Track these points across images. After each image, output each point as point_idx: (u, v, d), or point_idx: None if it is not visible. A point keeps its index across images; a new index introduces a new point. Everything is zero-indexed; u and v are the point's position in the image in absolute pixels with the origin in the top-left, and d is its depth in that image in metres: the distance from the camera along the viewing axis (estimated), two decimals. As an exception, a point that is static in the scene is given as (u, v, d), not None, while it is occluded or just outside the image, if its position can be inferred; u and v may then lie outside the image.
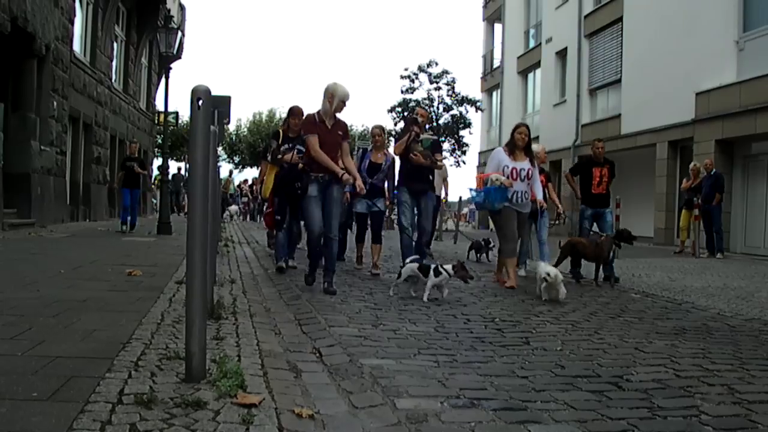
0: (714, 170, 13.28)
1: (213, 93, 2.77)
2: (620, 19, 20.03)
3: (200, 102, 2.62)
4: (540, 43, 25.76)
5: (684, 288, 7.47)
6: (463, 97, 28.99)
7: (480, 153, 31.13)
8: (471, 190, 7.54)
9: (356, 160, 7.48)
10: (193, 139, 2.64)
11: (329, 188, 5.81)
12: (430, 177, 7.45)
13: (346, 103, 5.79)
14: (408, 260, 6.08)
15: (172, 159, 33.66)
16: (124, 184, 12.89)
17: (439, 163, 7.60)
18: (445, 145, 27.31)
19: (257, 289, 5.80)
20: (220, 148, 33.48)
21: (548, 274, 5.76)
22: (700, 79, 15.55)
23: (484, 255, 10.00)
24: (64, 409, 2.17)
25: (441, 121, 28.64)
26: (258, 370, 2.89)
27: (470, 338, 4.13)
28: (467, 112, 29.28)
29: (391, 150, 7.98)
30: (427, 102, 28.41)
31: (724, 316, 5.46)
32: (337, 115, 5.88)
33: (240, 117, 51.93)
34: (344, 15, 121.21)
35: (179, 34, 16.51)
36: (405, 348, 3.76)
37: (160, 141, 24.85)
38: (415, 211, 7.36)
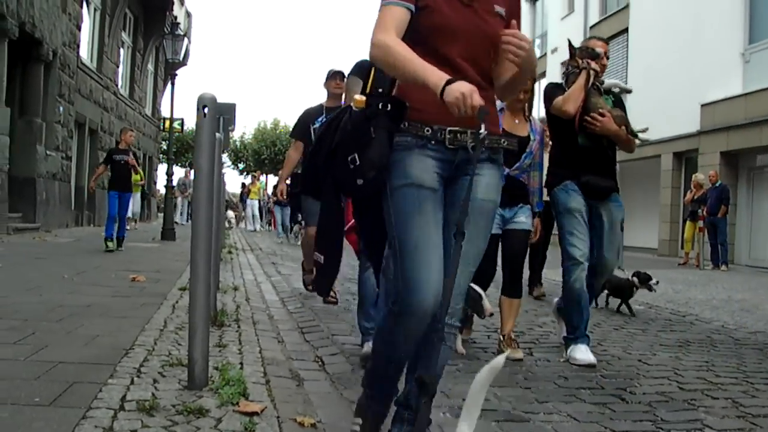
0: (719, 182, 13.29)
1: (218, 100, 2.79)
2: (626, 30, 20.07)
3: (206, 109, 2.64)
4: (545, 53, 25.81)
5: (688, 300, 7.43)
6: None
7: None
8: None
9: None
10: (199, 146, 2.65)
11: (470, 175, 1.96)
12: (615, 166, 4.10)
13: None
14: None
15: (177, 165, 33.79)
16: (112, 186, 9.14)
17: (641, 135, 4.28)
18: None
19: (260, 296, 5.78)
20: (225, 155, 33.60)
21: None
22: (706, 90, 15.55)
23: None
24: (66, 415, 2.16)
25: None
26: (260, 377, 2.88)
27: (473, 348, 4.12)
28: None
29: (537, 121, 4.08)
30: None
31: (728, 328, 5.43)
32: None
33: (245, 125, 52.44)
34: (351, 26, 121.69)
35: (185, 41, 16.63)
36: (408, 357, 3.74)
37: (165, 147, 24.94)
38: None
